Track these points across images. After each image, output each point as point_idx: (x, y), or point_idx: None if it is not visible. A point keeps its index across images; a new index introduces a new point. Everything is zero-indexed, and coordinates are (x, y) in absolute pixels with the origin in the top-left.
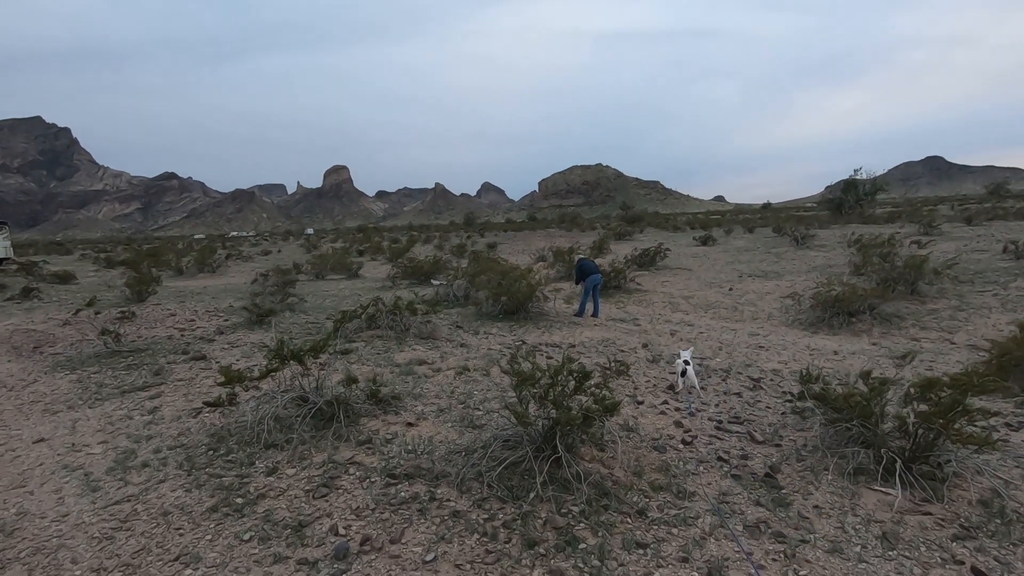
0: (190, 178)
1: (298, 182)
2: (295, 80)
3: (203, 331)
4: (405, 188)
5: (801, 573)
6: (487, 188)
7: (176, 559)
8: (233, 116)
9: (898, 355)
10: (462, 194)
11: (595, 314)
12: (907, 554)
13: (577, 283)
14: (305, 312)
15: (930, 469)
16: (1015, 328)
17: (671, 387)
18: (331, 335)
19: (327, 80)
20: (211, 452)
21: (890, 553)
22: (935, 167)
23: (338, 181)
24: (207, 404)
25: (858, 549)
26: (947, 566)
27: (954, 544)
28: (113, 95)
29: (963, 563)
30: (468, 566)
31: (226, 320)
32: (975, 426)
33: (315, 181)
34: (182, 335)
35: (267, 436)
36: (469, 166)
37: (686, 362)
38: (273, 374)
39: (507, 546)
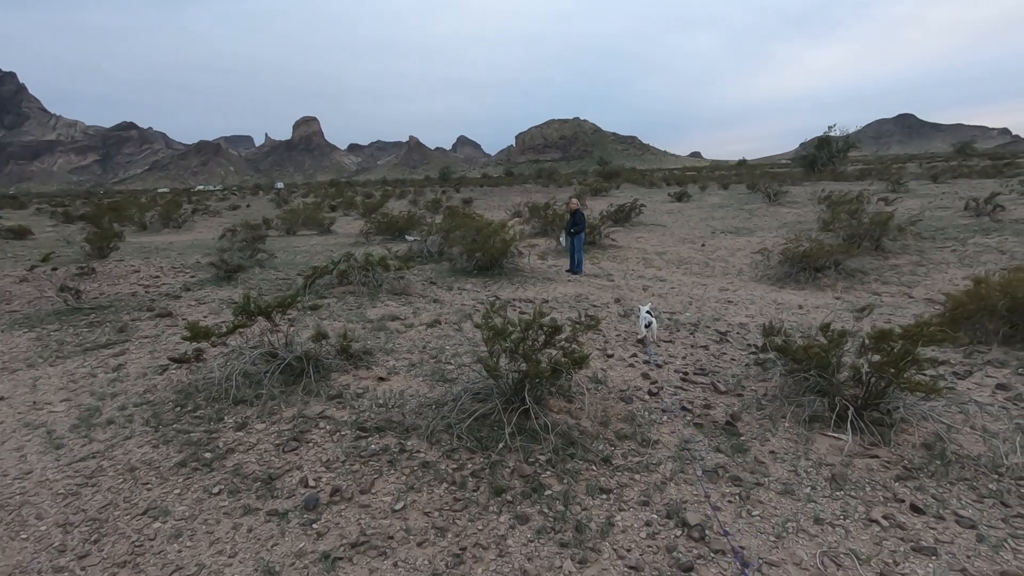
0: (151, 129)
1: (266, 134)
2: (262, 25)
3: (169, 288)
4: (378, 141)
5: (753, 513)
6: (463, 142)
7: (144, 513)
8: (196, 63)
9: (858, 308)
10: (437, 148)
11: (570, 268)
12: (853, 494)
13: (574, 234)
14: (275, 268)
15: (880, 416)
16: (970, 282)
17: (640, 341)
18: (301, 291)
19: (297, 25)
20: (178, 408)
21: (837, 493)
22: (907, 125)
23: (308, 133)
24: (173, 360)
25: (808, 490)
26: (888, 504)
27: (897, 484)
28: (63, 37)
29: (903, 501)
30: (436, 513)
31: (193, 276)
32: (924, 375)
33: (284, 133)
34: (147, 292)
35: (236, 392)
36: (444, 119)
37: (649, 312)
38: (241, 330)
39: (475, 494)
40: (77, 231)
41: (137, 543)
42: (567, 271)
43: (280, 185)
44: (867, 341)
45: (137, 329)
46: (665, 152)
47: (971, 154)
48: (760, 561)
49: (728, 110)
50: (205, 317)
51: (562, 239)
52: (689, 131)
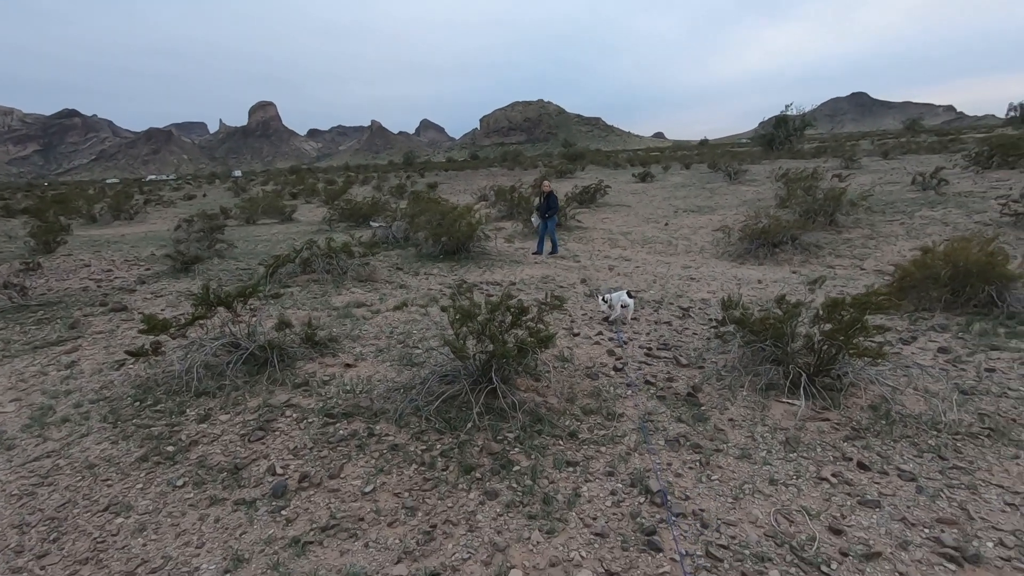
0: (95, 116)
1: (220, 120)
2: (215, 5)
3: (123, 281)
4: (339, 126)
5: (713, 477)
6: (426, 126)
7: (105, 509)
8: (144, 46)
9: (811, 281)
10: (400, 132)
11: (552, 251)
12: (805, 455)
13: (547, 217)
14: (235, 258)
15: (831, 381)
16: (916, 253)
17: (607, 320)
18: (262, 280)
19: (252, 6)
20: (138, 403)
21: (791, 455)
22: (860, 103)
23: (265, 118)
24: (130, 355)
25: (764, 454)
26: (838, 463)
27: (845, 444)
28: None
29: (851, 459)
30: (406, 494)
31: (148, 269)
32: (872, 342)
33: (239, 119)
34: (99, 286)
35: (197, 384)
36: (407, 103)
37: (629, 294)
38: (201, 321)
39: (444, 473)
40: (20, 225)
41: (99, 540)
42: (534, 253)
43: (238, 173)
44: (820, 312)
45: (90, 325)
46: (629, 133)
47: (919, 131)
48: (719, 521)
49: (690, 91)
50: (163, 310)
51: (534, 219)
52: (652, 112)
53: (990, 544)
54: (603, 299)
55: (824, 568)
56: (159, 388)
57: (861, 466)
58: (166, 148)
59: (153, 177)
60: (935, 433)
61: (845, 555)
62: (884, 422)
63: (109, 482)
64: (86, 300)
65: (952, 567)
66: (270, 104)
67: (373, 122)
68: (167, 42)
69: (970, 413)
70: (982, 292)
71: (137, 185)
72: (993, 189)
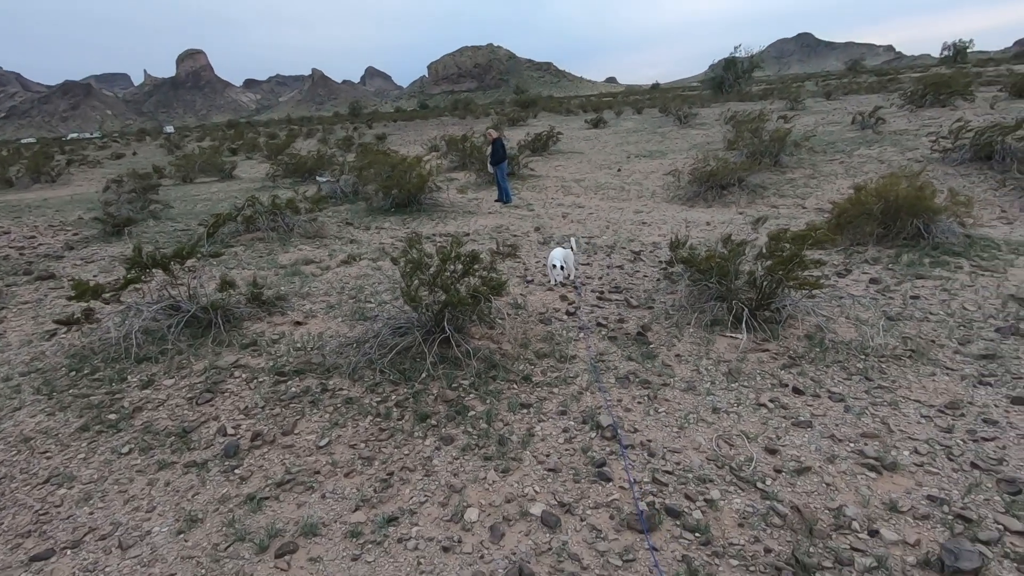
0: (0, 69)
1: (145, 71)
2: None
3: (48, 248)
4: (278, 76)
5: (660, 410)
6: (372, 74)
7: (46, 482)
8: None
9: (755, 220)
10: (344, 81)
11: (499, 198)
12: (746, 384)
13: (495, 165)
14: (173, 219)
15: (771, 314)
16: (852, 191)
17: (562, 284)
18: (201, 240)
19: None
20: (73, 373)
21: (732, 385)
22: (805, 44)
23: (195, 68)
24: (60, 324)
25: (708, 385)
26: (775, 389)
27: (783, 372)
28: None
29: (787, 386)
30: (363, 444)
31: (76, 234)
32: (810, 275)
33: (167, 70)
34: (21, 255)
35: (137, 350)
36: (350, 49)
37: (573, 240)
38: (135, 285)
39: (400, 423)
40: None
41: (41, 511)
42: (496, 201)
43: (170, 129)
44: (763, 249)
45: (14, 296)
46: (581, 78)
47: (860, 71)
48: (665, 450)
49: (641, 32)
50: (95, 276)
51: (490, 168)
52: (604, 56)
53: (906, 453)
54: (557, 266)
55: (760, 485)
56: (96, 356)
57: (796, 391)
58: (86, 103)
59: (75, 135)
60: (863, 357)
61: (779, 472)
62: (818, 349)
63: (48, 454)
64: (7, 269)
65: (873, 475)
66: (199, 52)
67: (315, 71)
68: None
69: (895, 337)
70: (911, 225)
71: (58, 144)
72: (925, 127)
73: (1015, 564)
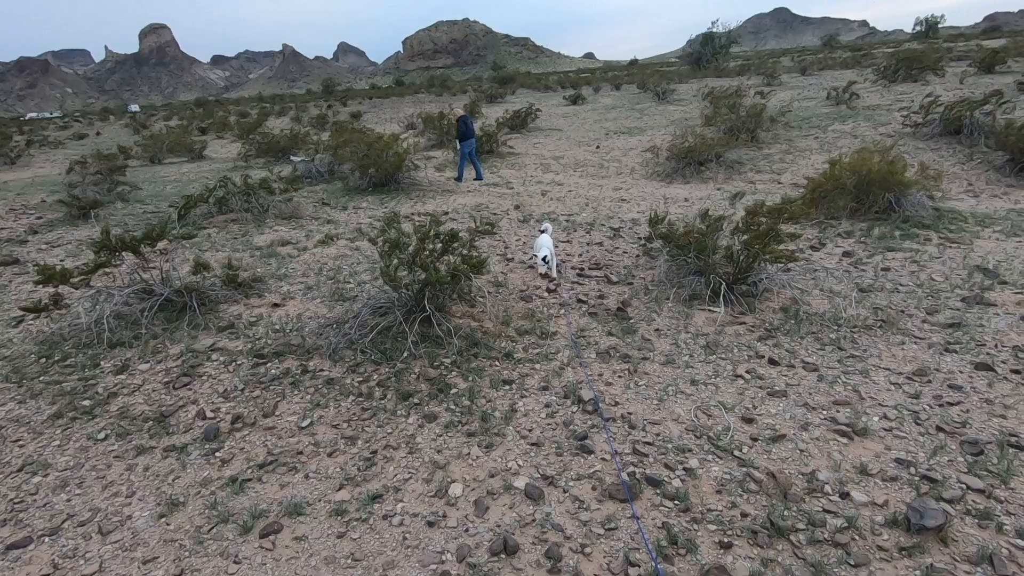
0: None
1: (106, 47)
2: None
3: (10, 232)
4: (247, 52)
5: (640, 383)
6: (345, 50)
7: (20, 470)
8: None
9: (732, 195)
10: (316, 57)
11: (479, 177)
12: (723, 356)
13: (462, 142)
14: (141, 201)
15: (748, 288)
16: (827, 166)
17: (545, 275)
18: (172, 221)
19: None
20: (44, 360)
21: (710, 357)
22: (782, 19)
23: (160, 44)
24: (27, 310)
25: (686, 358)
26: (751, 361)
27: (759, 343)
28: None
29: (763, 357)
30: (345, 424)
31: (40, 218)
32: (785, 249)
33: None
34: None
35: (110, 335)
36: (322, 24)
37: (549, 221)
38: (105, 269)
39: (382, 402)
40: None
41: (16, 500)
42: (474, 179)
43: (135, 108)
44: (740, 223)
45: None
46: (559, 54)
47: (835, 47)
48: (645, 422)
49: (620, 7)
50: (62, 260)
51: (457, 145)
52: (582, 31)
53: (876, 418)
54: (547, 257)
55: (736, 453)
56: (66, 343)
57: (771, 362)
58: (44, 80)
59: (34, 115)
60: (836, 328)
61: (755, 440)
62: (793, 321)
63: (21, 443)
64: None
65: (844, 441)
66: (163, 27)
67: (285, 46)
68: None
69: (867, 308)
70: (883, 199)
71: (15, 124)
72: (897, 102)
73: (976, 520)
